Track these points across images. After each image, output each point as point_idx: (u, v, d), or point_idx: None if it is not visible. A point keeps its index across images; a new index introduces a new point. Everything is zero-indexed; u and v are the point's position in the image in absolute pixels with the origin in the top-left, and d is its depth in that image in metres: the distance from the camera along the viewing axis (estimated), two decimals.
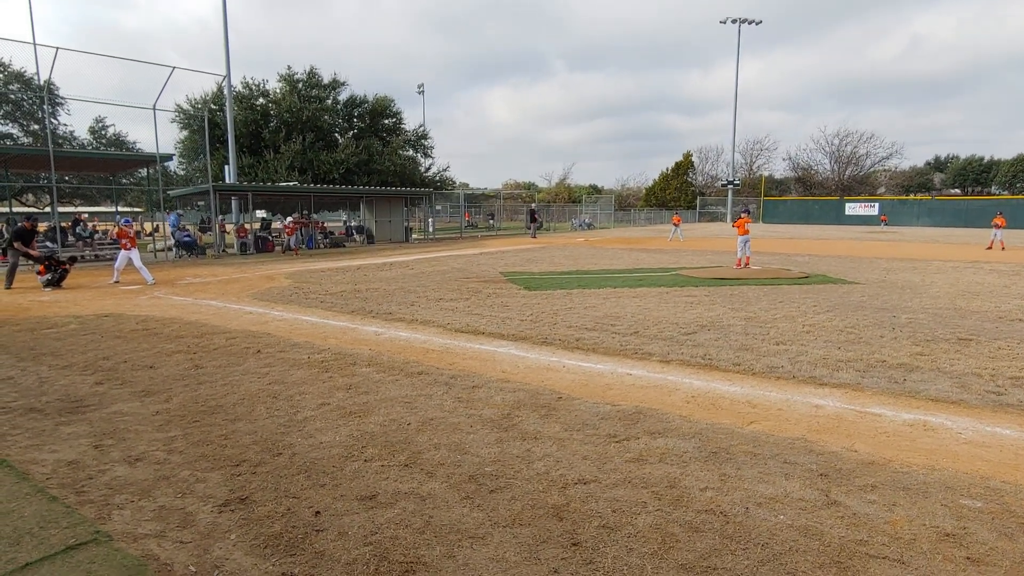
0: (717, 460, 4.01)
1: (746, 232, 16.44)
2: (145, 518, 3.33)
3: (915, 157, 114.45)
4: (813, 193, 68.90)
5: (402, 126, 46.40)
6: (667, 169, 74.86)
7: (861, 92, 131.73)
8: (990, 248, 23.46)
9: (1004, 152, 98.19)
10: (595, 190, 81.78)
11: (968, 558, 2.88)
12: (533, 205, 40.40)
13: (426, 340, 7.80)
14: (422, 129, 48.01)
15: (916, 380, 5.86)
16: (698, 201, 66.65)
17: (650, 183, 77.91)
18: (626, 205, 70.55)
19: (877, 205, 52.87)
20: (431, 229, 38.64)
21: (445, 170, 50.38)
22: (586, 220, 52.06)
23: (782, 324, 8.60)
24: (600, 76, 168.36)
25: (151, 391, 5.70)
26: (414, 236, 34.83)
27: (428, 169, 48.35)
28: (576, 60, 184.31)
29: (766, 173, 75.00)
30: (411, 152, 46.47)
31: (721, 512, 3.32)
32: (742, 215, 17.10)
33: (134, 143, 38.49)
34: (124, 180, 36.40)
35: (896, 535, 3.08)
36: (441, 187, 47.52)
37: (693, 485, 3.65)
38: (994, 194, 70.93)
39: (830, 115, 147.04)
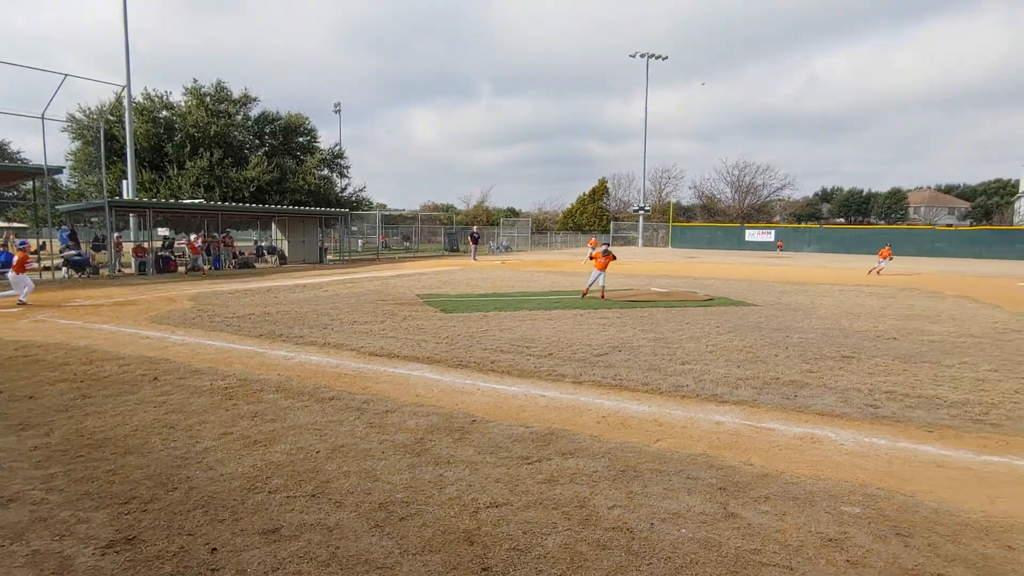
0: (625, 478, 4.14)
1: (603, 267, 15.54)
2: (16, 564, 3.04)
3: (807, 188, 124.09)
4: (717, 220, 72.93)
5: (316, 144, 45.43)
6: (584, 194, 77.19)
7: (766, 126, 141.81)
8: (870, 273, 25.63)
9: (882, 185, 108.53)
10: (512, 213, 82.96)
11: (848, 561, 3.11)
12: (475, 229, 40.52)
13: (339, 364, 7.60)
14: (338, 148, 47.19)
15: (806, 396, 6.29)
16: (611, 225, 68.99)
17: (567, 207, 79.95)
18: (543, 228, 71.96)
19: (773, 232, 56.55)
20: (358, 248, 37.73)
21: (361, 190, 49.65)
22: (504, 243, 52.59)
23: (688, 345, 9.01)
24: (524, 101, 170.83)
25: (29, 424, 5.22)
26: (329, 257, 33.94)
27: (344, 189, 47.47)
28: (502, 83, 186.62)
29: (674, 200, 78.81)
30: (326, 171, 45.52)
31: (628, 529, 3.43)
32: (602, 247, 16.23)
33: (18, 153, 35.51)
34: (7, 194, 33.43)
35: (786, 543, 3.28)
36: (357, 207, 46.71)
37: (602, 504, 3.75)
38: (872, 223, 77.80)
39: (738, 146, 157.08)
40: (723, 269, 27.87)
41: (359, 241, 41.79)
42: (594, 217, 73.85)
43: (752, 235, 57.16)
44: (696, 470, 4.28)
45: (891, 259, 26.39)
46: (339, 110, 60.35)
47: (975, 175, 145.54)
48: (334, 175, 46.64)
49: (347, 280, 20.42)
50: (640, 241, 64.40)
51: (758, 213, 74.96)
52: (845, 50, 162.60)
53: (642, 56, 60.29)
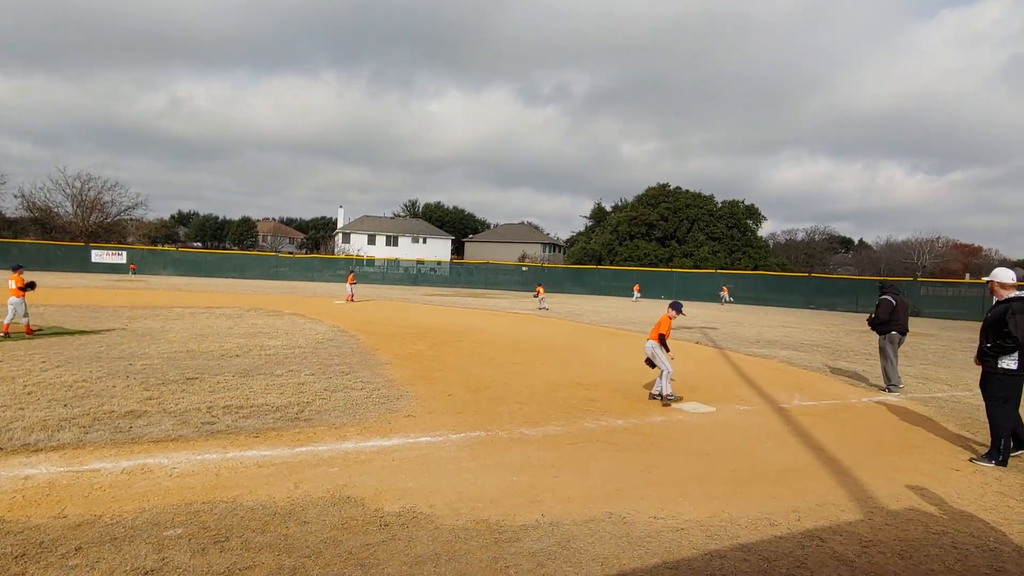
0: None
1: (20, 293, 12.42)
2: None
3: (163, 210, 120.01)
4: (55, 237, 62.09)
5: None
6: None
7: (123, 140, 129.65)
8: (348, 300, 26.38)
9: (236, 213, 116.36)
10: None
11: None
12: None
13: None
14: None
15: (142, 425, 6.00)
16: None
17: None
18: None
19: (125, 253, 52.36)
20: None
21: None
22: None
23: None
24: None
25: None
26: None
27: None
28: None
29: None
30: None
31: None
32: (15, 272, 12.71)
33: None
34: None
35: None
36: None
37: None
38: (228, 248, 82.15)
39: (89, 157, 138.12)
40: (62, 293, 23.90)
41: None
42: None
43: (100, 256, 51.37)
44: None
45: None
46: None
47: (309, 211, 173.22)
48: None
49: None
50: None
51: (107, 232, 67.77)
52: (208, 80, 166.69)
53: None
